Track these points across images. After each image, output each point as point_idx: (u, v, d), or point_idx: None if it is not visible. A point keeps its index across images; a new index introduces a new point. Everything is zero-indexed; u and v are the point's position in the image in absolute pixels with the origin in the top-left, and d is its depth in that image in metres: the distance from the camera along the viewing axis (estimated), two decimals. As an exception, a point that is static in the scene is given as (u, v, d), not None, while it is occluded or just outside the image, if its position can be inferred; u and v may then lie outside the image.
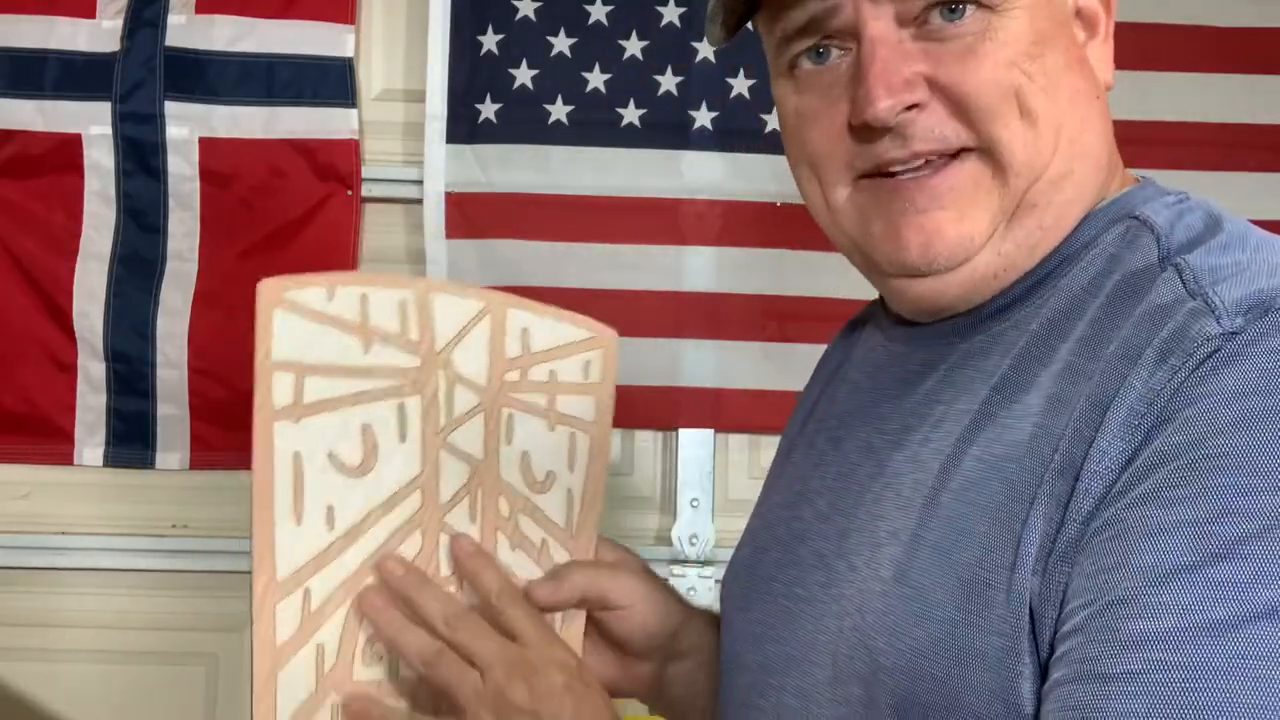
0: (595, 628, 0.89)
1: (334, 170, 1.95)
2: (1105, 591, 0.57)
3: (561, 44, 1.96)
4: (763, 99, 1.96)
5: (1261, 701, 0.52)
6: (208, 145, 1.94)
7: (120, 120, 1.92)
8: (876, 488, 0.74)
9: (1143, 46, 1.90)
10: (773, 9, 0.73)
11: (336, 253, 1.96)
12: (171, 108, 1.93)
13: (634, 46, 1.97)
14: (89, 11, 1.93)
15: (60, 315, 1.93)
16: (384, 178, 1.99)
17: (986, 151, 0.70)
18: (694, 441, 2.00)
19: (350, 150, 1.95)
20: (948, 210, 0.70)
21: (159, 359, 1.93)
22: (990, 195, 0.70)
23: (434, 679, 0.80)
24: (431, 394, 0.85)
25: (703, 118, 1.97)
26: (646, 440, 2.03)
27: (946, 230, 0.70)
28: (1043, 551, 0.61)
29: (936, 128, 0.69)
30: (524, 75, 1.96)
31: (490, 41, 1.96)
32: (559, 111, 1.96)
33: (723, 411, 1.98)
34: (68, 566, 1.95)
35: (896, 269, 0.73)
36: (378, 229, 2.00)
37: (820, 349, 1.96)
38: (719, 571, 1.98)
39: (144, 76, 1.92)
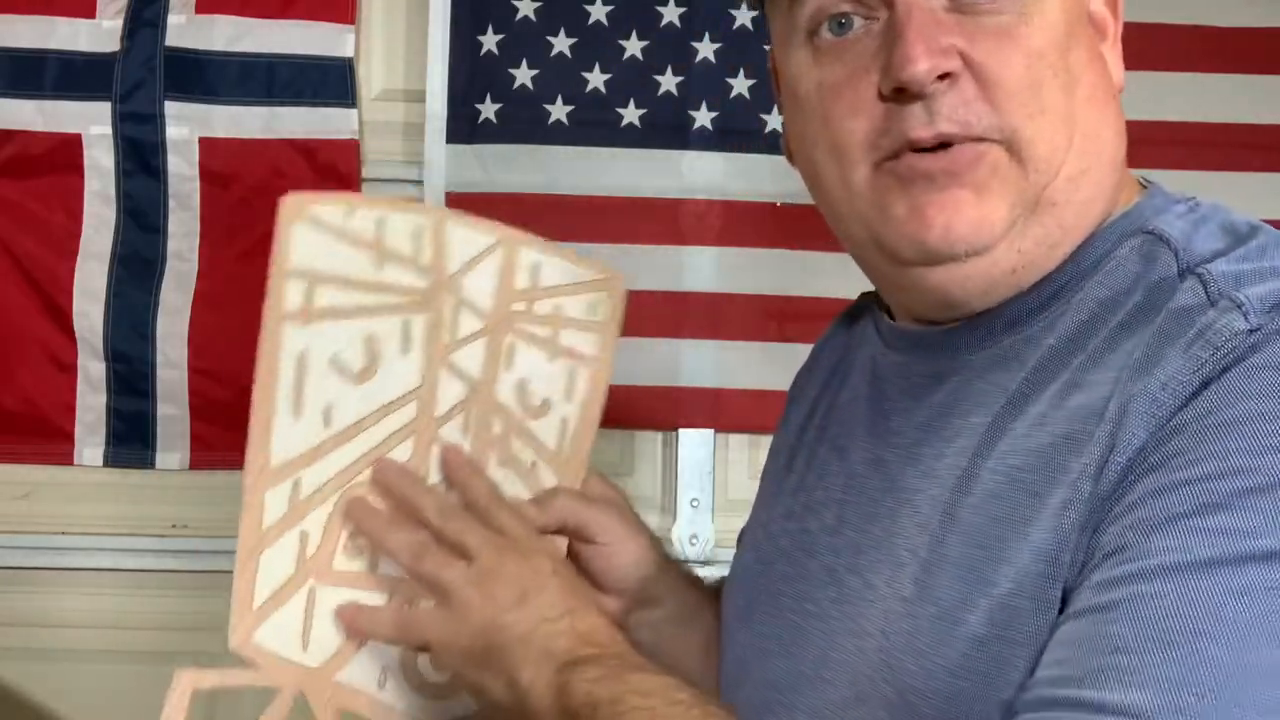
0: (572, 558, 0.91)
1: (334, 170, 1.95)
2: (1104, 547, 0.59)
3: (561, 44, 1.96)
4: (763, 99, 1.96)
5: (1242, 633, 0.53)
6: (208, 145, 1.94)
7: (120, 120, 1.92)
8: (890, 503, 0.73)
9: (1143, 46, 1.89)
10: None
11: (336, 253, 1.95)
12: (171, 108, 1.93)
13: (634, 46, 1.97)
14: (89, 11, 1.93)
15: (60, 315, 1.93)
16: (384, 178, 1.99)
17: (1007, 143, 0.69)
18: (694, 441, 2.00)
19: (350, 150, 1.95)
20: (967, 190, 0.69)
21: (159, 359, 1.93)
22: (1008, 185, 0.69)
23: (421, 571, 0.81)
24: (437, 314, 0.88)
25: (703, 118, 1.97)
26: (646, 440, 2.03)
27: (966, 210, 0.69)
28: (1074, 556, 0.61)
29: (962, 108, 0.68)
30: (524, 75, 1.96)
31: (490, 41, 1.96)
32: (559, 111, 1.96)
33: (723, 411, 1.98)
34: (68, 566, 1.95)
35: (916, 252, 0.71)
36: (378, 229, 2.00)
37: (820, 349, 1.90)
38: (719, 571, 1.97)
39: (144, 76, 1.92)
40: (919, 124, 0.68)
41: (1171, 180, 0.77)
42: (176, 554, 1.93)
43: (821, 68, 0.72)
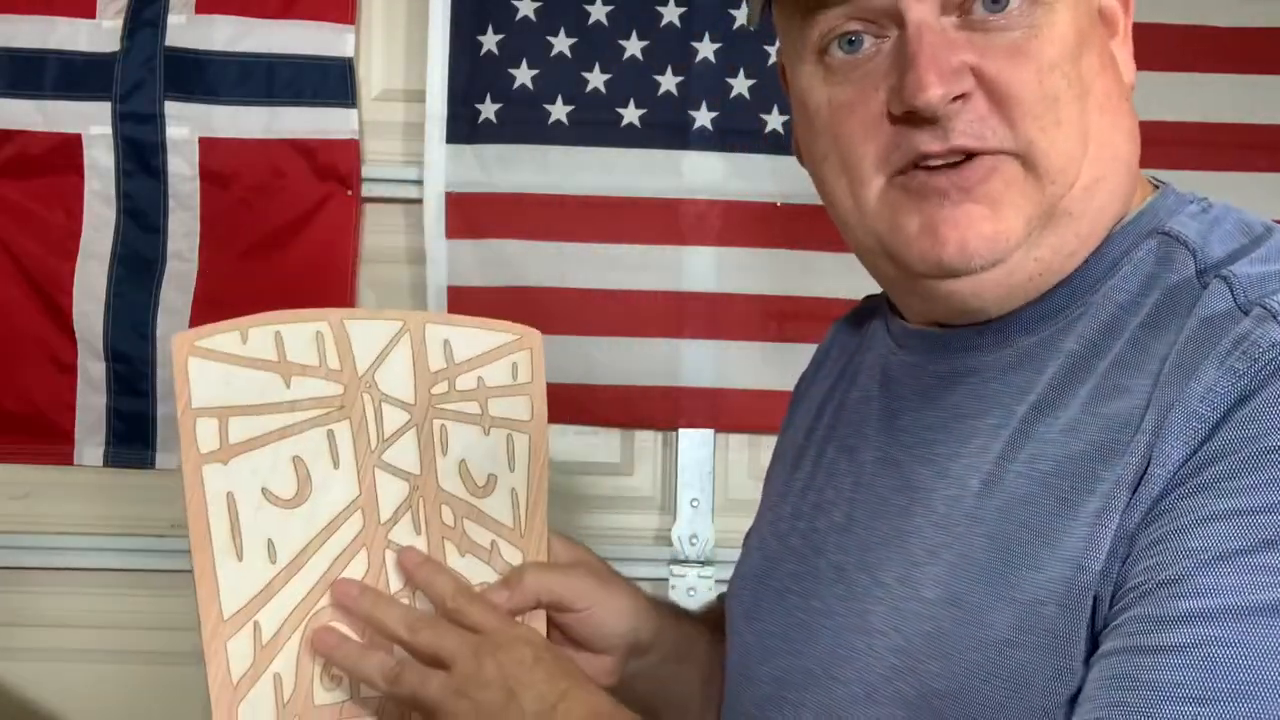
0: (554, 628, 0.89)
1: (334, 170, 1.95)
2: (1155, 573, 0.58)
3: (561, 44, 1.96)
4: (763, 99, 1.96)
5: None
6: (208, 145, 1.94)
7: (120, 120, 1.92)
8: (902, 501, 0.73)
9: (1143, 46, 1.89)
10: None
11: (336, 253, 1.96)
12: (171, 108, 1.93)
13: (634, 46, 1.97)
14: (89, 11, 1.93)
15: (60, 315, 1.93)
16: (384, 178, 1.99)
17: (1021, 156, 0.68)
18: (694, 442, 2.00)
19: (350, 150, 1.95)
20: (981, 205, 0.68)
21: (159, 359, 1.93)
22: (1024, 197, 0.68)
23: (400, 693, 0.79)
24: (360, 417, 0.85)
25: (703, 118, 1.97)
26: (646, 440, 2.03)
27: (982, 226, 0.68)
28: (1106, 565, 0.61)
29: (977, 123, 0.67)
30: (524, 75, 1.96)
31: (490, 41, 1.96)
32: (559, 111, 1.96)
33: (723, 411, 1.98)
34: (68, 566, 1.95)
35: (931, 268, 0.70)
36: (378, 229, 2.00)
37: (820, 349, 1.90)
38: (719, 571, 1.99)
39: (144, 76, 1.92)
40: (932, 140, 0.68)
41: (1171, 180, 0.77)
42: (176, 554, 1.91)
43: (831, 86, 0.72)
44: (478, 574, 0.88)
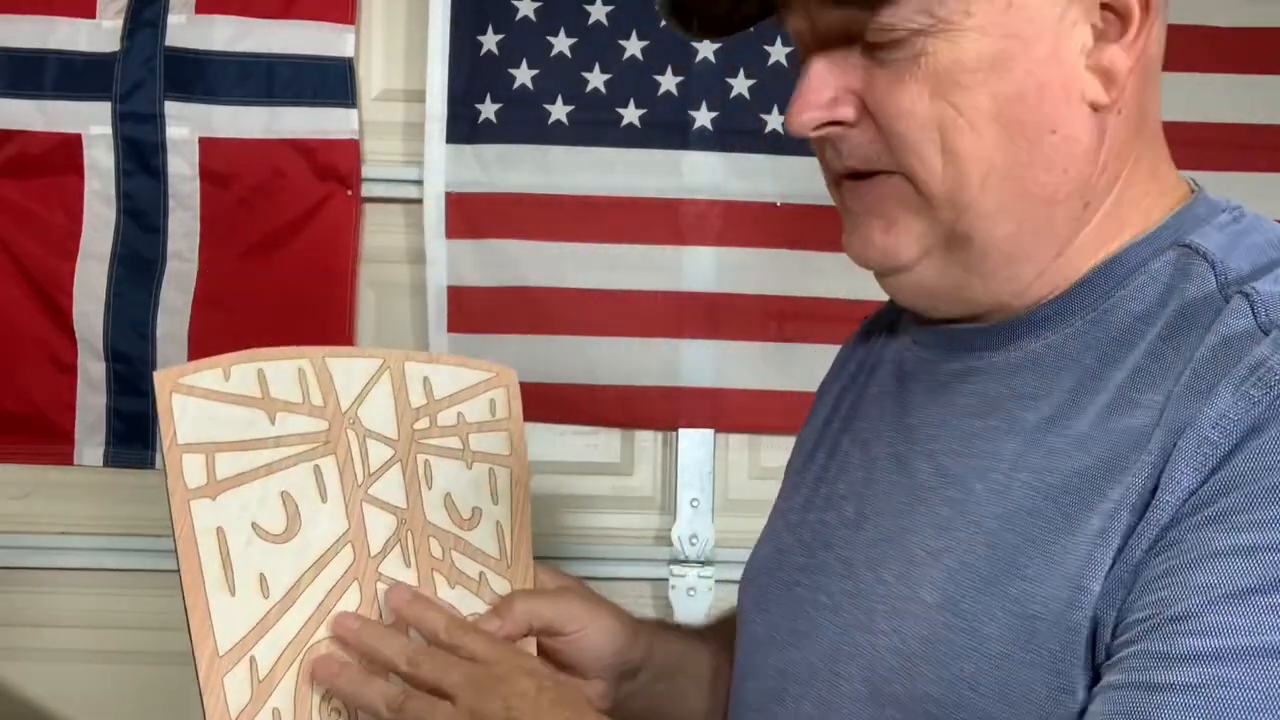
0: (545, 655, 0.89)
1: (334, 170, 1.95)
2: (1163, 607, 0.57)
3: (561, 44, 1.96)
4: (763, 99, 1.96)
5: None
6: (208, 145, 1.94)
7: (120, 120, 1.92)
8: (906, 499, 0.73)
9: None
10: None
11: (336, 253, 1.96)
12: (171, 108, 1.93)
13: (634, 46, 1.97)
14: (89, 11, 1.93)
15: (60, 315, 1.93)
16: (384, 178, 1.99)
17: (908, 179, 0.70)
18: (694, 442, 2.00)
19: (350, 150, 1.95)
20: (876, 219, 0.72)
21: (159, 359, 1.93)
22: (915, 218, 0.70)
23: None
24: (345, 453, 0.86)
25: (703, 118, 1.97)
26: (646, 440, 2.02)
27: (874, 238, 0.72)
28: (1107, 586, 0.61)
29: (864, 146, 0.70)
30: (524, 75, 1.96)
31: (490, 41, 1.96)
32: (559, 111, 1.96)
33: (723, 411, 1.98)
34: (68, 566, 1.95)
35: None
36: (378, 229, 2.00)
37: (820, 348, 1.97)
38: (719, 571, 1.98)
39: (144, 76, 1.92)
40: (832, 159, 0.73)
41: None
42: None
43: None
44: (468, 605, 0.88)
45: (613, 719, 0.92)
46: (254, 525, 0.81)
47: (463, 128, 1.96)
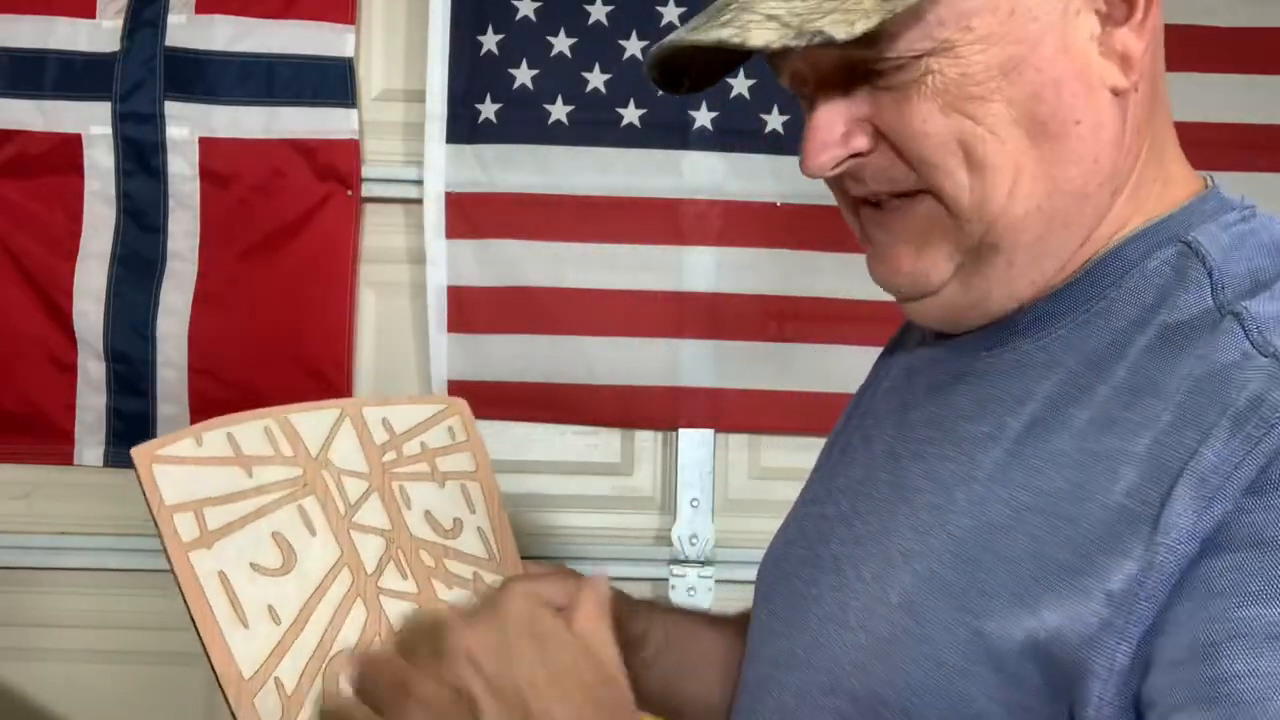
0: None
1: (334, 170, 1.95)
2: (1201, 640, 0.55)
3: (561, 44, 1.96)
4: (763, 99, 1.96)
5: None
6: (208, 145, 1.94)
7: (120, 120, 1.93)
8: (893, 497, 0.73)
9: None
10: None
11: (336, 253, 1.96)
12: (171, 108, 1.93)
13: (634, 46, 1.97)
14: (89, 11, 1.93)
15: (60, 315, 1.94)
16: (384, 178, 1.99)
17: (935, 197, 0.68)
18: (694, 442, 2.00)
19: (350, 150, 1.96)
20: (906, 245, 0.71)
21: (159, 359, 1.94)
22: (947, 234, 0.69)
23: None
24: (324, 490, 0.90)
25: (703, 118, 1.97)
26: (646, 440, 2.03)
27: (903, 264, 0.71)
28: (1088, 625, 0.58)
29: (886, 170, 0.69)
30: (524, 75, 1.96)
31: (490, 41, 1.96)
32: (559, 111, 1.96)
33: (723, 411, 1.98)
34: (68, 566, 1.96)
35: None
36: (378, 229, 2.00)
37: (820, 348, 1.97)
38: (719, 571, 1.99)
39: (144, 76, 1.92)
40: (853, 186, 0.72)
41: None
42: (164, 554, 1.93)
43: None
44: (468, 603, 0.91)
45: (637, 700, 0.94)
46: (252, 565, 0.85)
47: (463, 128, 1.96)
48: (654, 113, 1.96)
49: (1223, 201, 0.70)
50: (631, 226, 1.97)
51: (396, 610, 0.88)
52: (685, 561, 1.99)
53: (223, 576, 0.83)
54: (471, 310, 1.96)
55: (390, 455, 0.95)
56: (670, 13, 1.97)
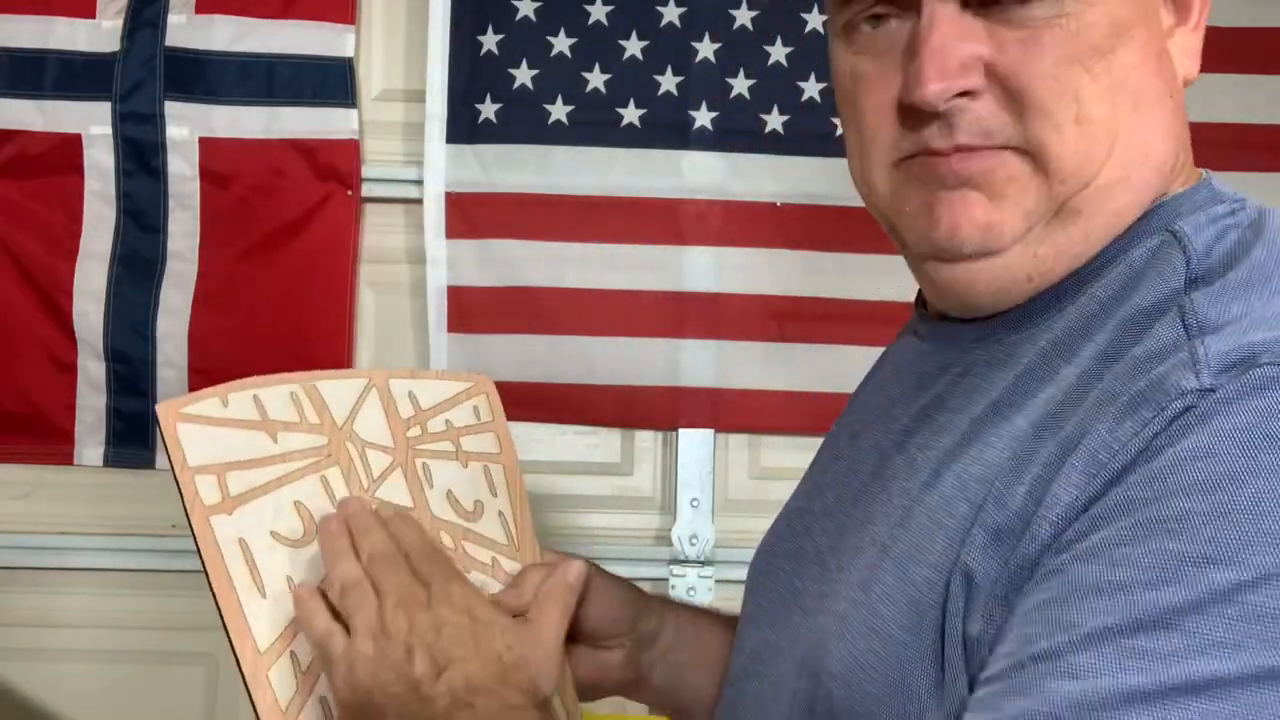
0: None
1: (334, 170, 1.95)
2: (1029, 643, 0.55)
3: (561, 44, 1.96)
4: (763, 99, 1.96)
5: None
6: (208, 145, 1.94)
7: (120, 120, 1.93)
8: (874, 489, 0.73)
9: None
10: None
11: (336, 253, 1.96)
12: (171, 108, 1.93)
13: (634, 46, 1.97)
14: (89, 11, 1.93)
15: (60, 315, 1.94)
16: (384, 178, 1.99)
17: (1031, 153, 0.65)
18: (694, 442, 2.00)
19: (350, 150, 1.96)
20: (979, 192, 0.66)
21: (159, 359, 1.94)
22: (1026, 193, 0.66)
23: (343, 607, 0.79)
24: (348, 462, 0.89)
25: (703, 118, 1.97)
26: (646, 440, 2.03)
27: (975, 212, 0.66)
28: (980, 591, 0.59)
29: (985, 120, 0.65)
30: (524, 75, 1.96)
31: (490, 41, 1.96)
32: (559, 111, 1.96)
33: (723, 411, 1.98)
34: (68, 566, 1.96)
35: (926, 248, 0.70)
36: (378, 229, 2.00)
37: (820, 348, 1.97)
38: (719, 571, 1.99)
39: (144, 76, 1.92)
40: (936, 137, 0.66)
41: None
42: (176, 554, 1.93)
43: (854, 56, 0.71)
44: (485, 587, 0.91)
45: (643, 694, 0.95)
46: (273, 533, 0.84)
47: (463, 128, 1.96)
48: (654, 113, 1.96)
49: (1214, 193, 0.69)
50: (631, 226, 1.97)
51: None
52: (685, 561, 1.99)
53: (243, 544, 0.82)
54: (471, 310, 1.96)
55: (415, 431, 0.94)
56: (670, 13, 1.97)
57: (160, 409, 0.84)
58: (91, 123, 1.93)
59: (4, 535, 1.95)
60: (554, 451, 2.00)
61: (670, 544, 1.99)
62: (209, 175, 1.94)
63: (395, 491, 0.90)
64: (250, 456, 0.85)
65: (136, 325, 1.94)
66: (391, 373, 0.96)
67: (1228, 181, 0.72)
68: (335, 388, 0.91)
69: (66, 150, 1.93)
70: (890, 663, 0.62)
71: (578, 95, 1.96)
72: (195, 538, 0.82)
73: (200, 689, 1.96)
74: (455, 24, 1.96)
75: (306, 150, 1.95)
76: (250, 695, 0.80)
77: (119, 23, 1.93)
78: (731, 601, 0.98)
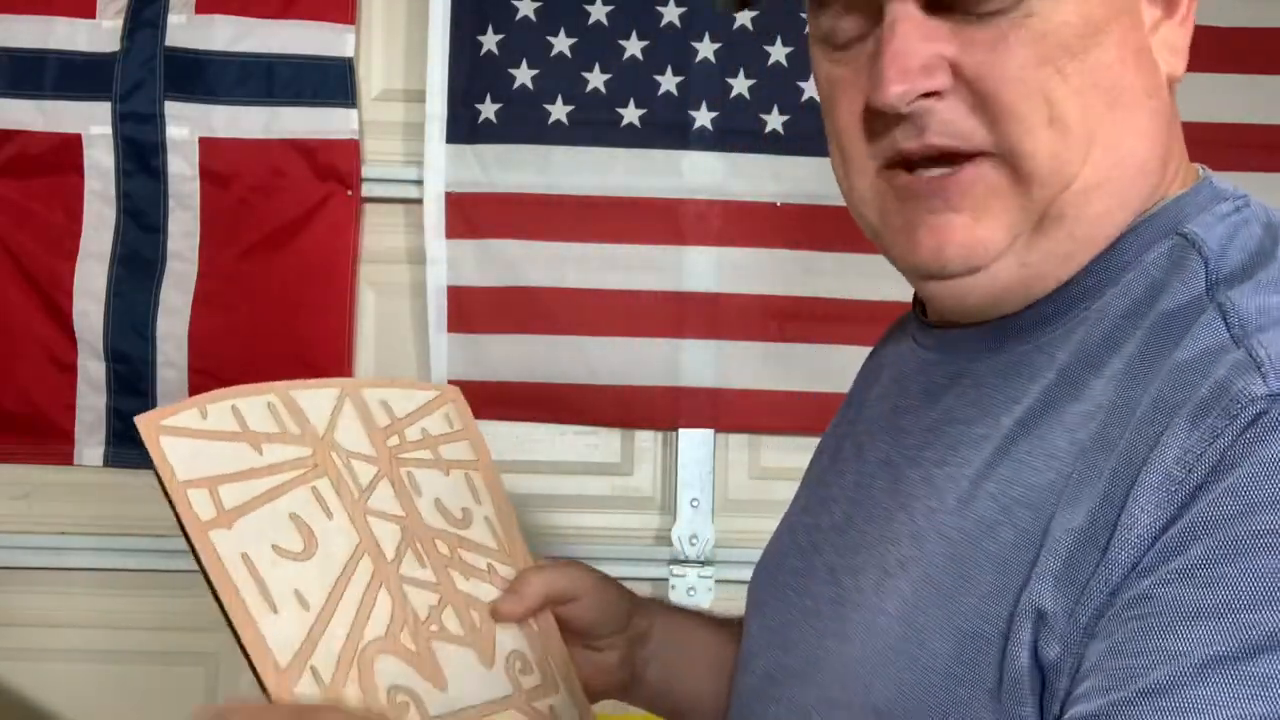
0: (561, 625, 0.92)
1: (334, 170, 1.95)
2: (1135, 677, 0.53)
3: (561, 44, 1.96)
4: (763, 99, 1.96)
5: None
6: (208, 145, 1.94)
7: (120, 120, 1.92)
8: (891, 506, 0.71)
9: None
10: None
11: (336, 253, 1.96)
12: (171, 108, 1.93)
13: (634, 46, 1.97)
14: (89, 11, 1.93)
15: (60, 315, 1.93)
16: (384, 178, 1.99)
17: (1005, 158, 0.64)
18: (694, 442, 2.00)
19: (350, 150, 1.95)
20: (961, 214, 0.65)
21: (159, 359, 1.94)
22: (1008, 204, 0.64)
23: None
24: (335, 473, 0.89)
25: (703, 118, 1.97)
26: (646, 440, 2.03)
27: (957, 234, 0.65)
28: (1056, 621, 0.57)
29: (955, 122, 0.64)
30: (524, 75, 1.96)
31: (490, 41, 1.96)
32: (559, 111, 1.96)
33: (723, 411, 1.98)
34: (68, 566, 1.95)
35: (910, 269, 0.69)
36: (378, 229, 2.00)
37: (820, 349, 1.96)
38: (719, 571, 1.99)
39: (144, 76, 1.92)
40: (907, 137, 0.65)
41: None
42: (176, 554, 1.91)
43: (831, 63, 0.70)
44: (485, 593, 0.92)
45: (638, 693, 0.95)
46: (274, 547, 0.83)
47: (463, 128, 1.96)
48: (654, 113, 1.96)
49: (1216, 192, 0.68)
50: (631, 226, 1.97)
51: (420, 600, 0.87)
52: (685, 561, 1.99)
53: (247, 559, 0.81)
54: (471, 310, 1.96)
55: (394, 440, 0.94)
56: (670, 13, 1.97)
57: (140, 422, 0.83)
58: (91, 123, 1.93)
59: (4, 535, 1.95)
60: (554, 451, 2.00)
61: (670, 544, 1.99)
62: (209, 175, 1.94)
63: (384, 501, 0.90)
64: (238, 469, 0.85)
65: (136, 325, 1.94)
66: (361, 382, 0.97)
67: (1227, 181, 0.71)
68: (310, 397, 0.91)
69: (66, 150, 1.93)
70: (942, 697, 0.61)
71: (578, 95, 1.96)
72: (196, 554, 0.81)
73: (200, 689, 1.96)
74: (455, 24, 1.96)
75: (306, 150, 1.95)
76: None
77: (119, 23, 1.93)
78: (732, 602, 0.98)
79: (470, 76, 1.96)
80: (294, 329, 1.94)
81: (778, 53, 1.95)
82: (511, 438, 1.96)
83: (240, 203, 1.94)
